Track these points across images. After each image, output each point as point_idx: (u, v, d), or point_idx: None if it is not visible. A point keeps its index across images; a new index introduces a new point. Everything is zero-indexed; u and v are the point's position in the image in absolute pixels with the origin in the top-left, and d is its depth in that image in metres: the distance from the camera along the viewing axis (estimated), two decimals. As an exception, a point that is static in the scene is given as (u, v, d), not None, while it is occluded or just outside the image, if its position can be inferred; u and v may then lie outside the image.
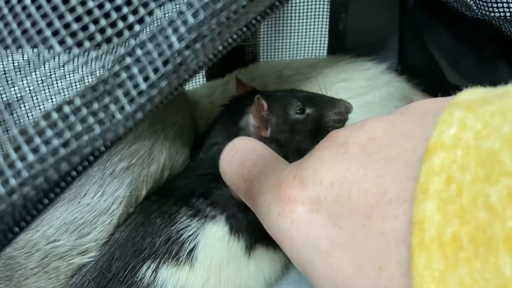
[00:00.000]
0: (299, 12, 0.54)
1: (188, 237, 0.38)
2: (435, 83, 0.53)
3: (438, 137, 0.18)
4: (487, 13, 0.38)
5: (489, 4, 0.37)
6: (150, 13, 0.20)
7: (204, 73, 0.57)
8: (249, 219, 0.38)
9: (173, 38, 0.20)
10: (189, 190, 0.40)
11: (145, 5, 0.20)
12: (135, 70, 0.20)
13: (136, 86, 0.20)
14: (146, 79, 0.20)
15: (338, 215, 0.22)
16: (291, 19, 0.55)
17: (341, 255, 0.21)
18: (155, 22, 0.20)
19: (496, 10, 0.37)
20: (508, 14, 0.37)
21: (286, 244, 0.24)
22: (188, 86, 0.56)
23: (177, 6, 0.20)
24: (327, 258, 0.22)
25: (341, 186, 0.22)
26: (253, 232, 0.39)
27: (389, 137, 0.22)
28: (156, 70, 0.20)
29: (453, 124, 0.18)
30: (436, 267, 0.16)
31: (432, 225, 0.17)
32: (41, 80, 0.20)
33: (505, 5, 0.36)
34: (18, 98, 0.19)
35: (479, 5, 0.38)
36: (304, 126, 0.40)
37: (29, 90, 0.19)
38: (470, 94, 0.20)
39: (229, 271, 0.39)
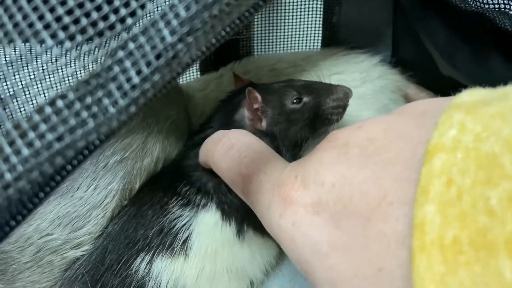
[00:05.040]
0: (293, 5, 0.54)
1: (182, 227, 0.38)
2: (428, 75, 0.53)
3: (438, 139, 0.18)
4: (482, 5, 0.38)
5: (483, -4, 0.37)
6: (142, 6, 0.20)
7: (198, 67, 0.57)
8: (237, 202, 0.38)
9: (165, 32, 0.20)
10: (177, 180, 0.40)
11: (137, -2, 0.20)
12: (127, 63, 0.20)
13: (128, 80, 0.20)
14: (138, 72, 0.20)
15: (339, 217, 0.22)
16: (285, 12, 0.54)
17: (341, 257, 0.21)
18: (147, 15, 0.20)
19: (491, 2, 0.37)
20: (502, 6, 0.37)
21: (287, 245, 0.24)
22: (182, 80, 0.56)
23: (169, -1, 0.20)
24: (328, 260, 0.22)
25: (342, 188, 0.22)
26: (242, 215, 0.39)
27: (388, 139, 0.22)
28: (148, 64, 0.20)
29: (453, 126, 0.18)
30: (436, 270, 0.16)
31: (433, 228, 0.17)
32: (33, 74, 0.20)
33: (499, -4, 0.36)
34: (11, 92, 0.19)
35: (472, -2, 0.38)
36: (301, 116, 0.40)
37: (22, 84, 0.19)
38: (469, 96, 0.21)
39: (224, 256, 0.39)
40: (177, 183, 0.40)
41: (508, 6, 0.36)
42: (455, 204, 0.17)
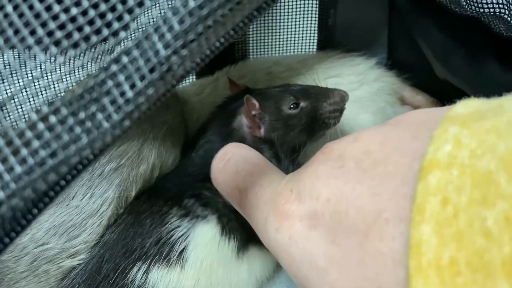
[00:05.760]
0: (289, 8, 0.54)
1: (179, 237, 0.38)
2: (424, 78, 0.53)
3: (433, 155, 0.18)
4: (477, 9, 0.38)
5: (479, 0, 0.37)
6: (135, 19, 0.20)
7: (193, 71, 0.56)
8: (241, 219, 0.38)
9: (159, 45, 0.19)
10: (180, 191, 0.40)
11: (130, 11, 0.20)
12: (121, 77, 0.19)
13: (122, 94, 0.20)
14: (132, 86, 0.20)
15: (336, 232, 0.21)
16: (280, 15, 0.54)
17: (339, 273, 0.21)
18: (140, 28, 0.20)
19: (486, 6, 0.37)
20: (497, 10, 0.37)
21: (284, 259, 0.24)
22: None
23: (163, 12, 0.19)
24: (325, 275, 0.21)
25: (338, 202, 0.22)
26: (245, 233, 0.39)
27: (384, 152, 0.21)
28: (142, 77, 0.20)
29: (448, 141, 0.18)
30: None
31: (429, 249, 0.17)
32: (26, 89, 0.19)
33: (494, 1, 0.36)
34: (2, 108, 0.19)
35: (468, 2, 0.38)
36: (298, 121, 0.40)
37: (14, 100, 0.19)
38: (464, 107, 0.20)
39: (219, 272, 0.39)
40: (183, 195, 0.40)
41: (503, 11, 0.36)
42: (451, 223, 0.17)
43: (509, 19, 0.36)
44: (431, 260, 0.16)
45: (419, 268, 0.17)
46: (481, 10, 0.37)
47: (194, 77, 0.57)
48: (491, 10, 0.37)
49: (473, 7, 0.38)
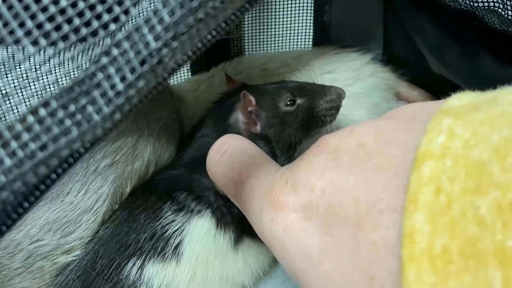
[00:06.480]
0: (284, 4, 0.54)
1: (174, 232, 0.38)
2: (419, 73, 0.53)
3: (427, 146, 0.18)
4: (471, 3, 0.38)
5: (473, -5, 0.37)
6: (126, 12, 0.19)
7: (188, 67, 0.56)
8: (235, 212, 0.38)
9: (150, 37, 0.19)
10: (173, 184, 0.40)
11: (120, 3, 0.19)
12: (111, 70, 0.19)
13: (113, 86, 0.19)
14: (123, 79, 0.19)
15: (330, 223, 0.21)
16: (275, 11, 0.54)
17: (332, 264, 0.21)
18: (131, 20, 0.20)
19: (480, 0, 0.37)
20: (491, 4, 0.37)
21: (278, 251, 0.24)
22: (173, 81, 0.56)
23: (153, 4, 0.19)
24: (319, 267, 0.21)
25: (332, 194, 0.22)
26: (239, 225, 0.39)
27: (378, 144, 0.22)
28: (133, 70, 0.20)
29: (442, 132, 0.18)
30: (426, 280, 0.16)
31: (422, 237, 0.17)
32: (15, 82, 0.19)
33: (488, -5, 0.36)
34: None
35: (462, -4, 0.38)
36: (295, 118, 0.40)
37: (2, 93, 0.19)
38: (459, 100, 0.20)
39: (215, 265, 0.39)
40: (175, 188, 0.40)
41: (497, 5, 0.36)
42: (444, 212, 0.17)
43: (503, 13, 0.36)
44: (424, 248, 0.17)
45: (412, 256, 0.17)
46: (475, 4, 0.38)
47: (190, 73, 0.56)
48: (485, 4, 0.37)
49: (467, 1, 0.38)
